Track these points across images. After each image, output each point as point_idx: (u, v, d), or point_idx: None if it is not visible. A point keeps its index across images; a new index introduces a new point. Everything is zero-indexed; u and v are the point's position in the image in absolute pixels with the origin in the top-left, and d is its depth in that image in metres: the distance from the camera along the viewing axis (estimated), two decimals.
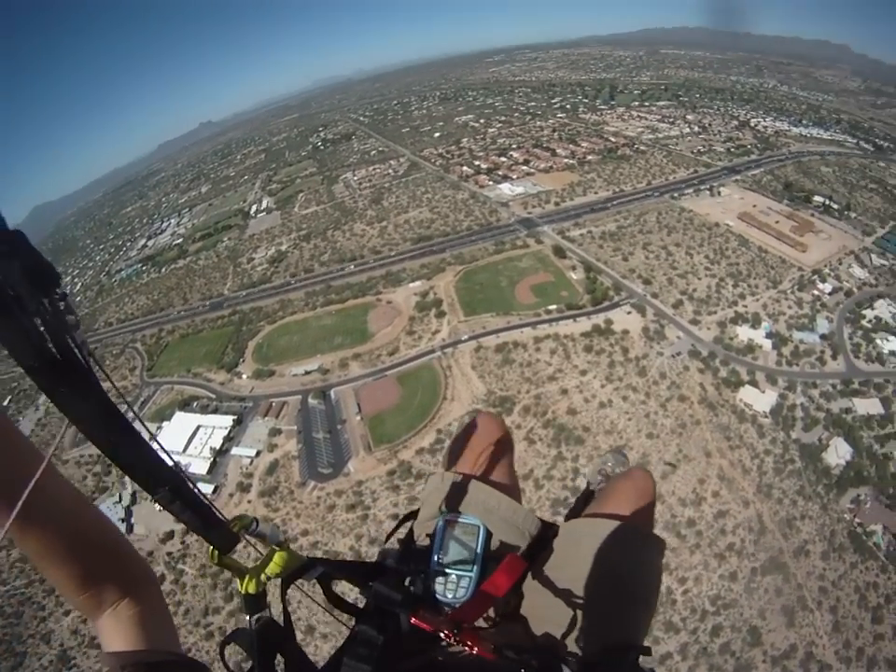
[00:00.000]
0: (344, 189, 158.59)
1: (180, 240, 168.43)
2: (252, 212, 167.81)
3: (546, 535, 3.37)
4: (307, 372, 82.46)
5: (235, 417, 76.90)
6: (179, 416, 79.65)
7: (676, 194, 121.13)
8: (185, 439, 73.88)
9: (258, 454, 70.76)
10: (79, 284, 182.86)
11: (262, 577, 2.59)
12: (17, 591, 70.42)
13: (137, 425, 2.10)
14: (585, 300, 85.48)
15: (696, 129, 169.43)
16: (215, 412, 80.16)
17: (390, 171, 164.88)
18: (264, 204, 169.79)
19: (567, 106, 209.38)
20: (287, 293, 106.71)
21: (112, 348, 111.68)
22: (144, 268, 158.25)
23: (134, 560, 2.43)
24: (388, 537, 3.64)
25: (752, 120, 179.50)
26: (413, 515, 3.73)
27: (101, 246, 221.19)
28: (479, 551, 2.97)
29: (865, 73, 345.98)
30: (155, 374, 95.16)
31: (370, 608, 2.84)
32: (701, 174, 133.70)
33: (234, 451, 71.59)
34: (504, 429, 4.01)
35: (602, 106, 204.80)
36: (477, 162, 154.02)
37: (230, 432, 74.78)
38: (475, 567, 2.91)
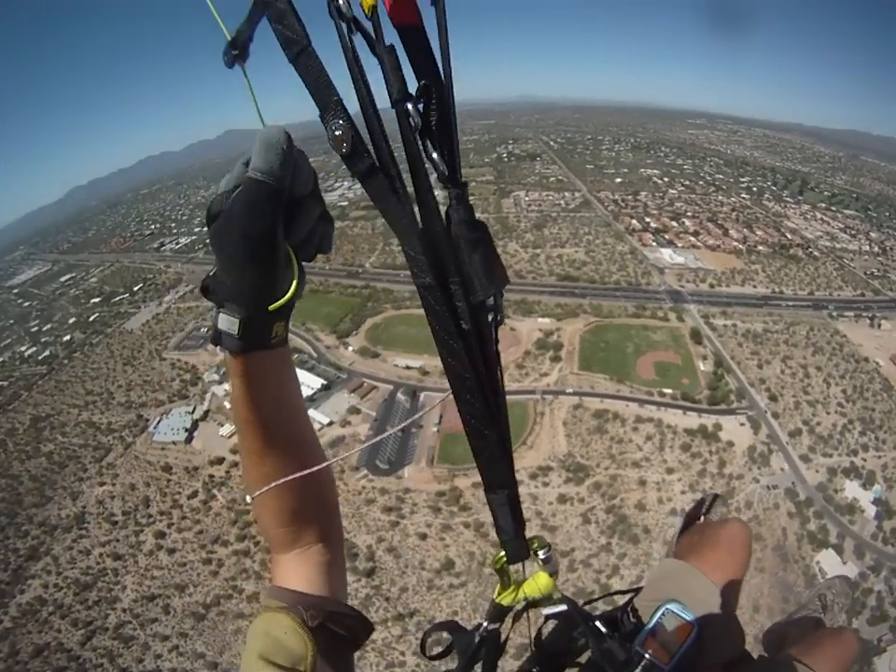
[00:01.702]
0: (513, 206, 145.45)
1: (346, 203, 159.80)
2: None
3: (740, 661, 2.98)
4: (408, 367, 75.78)
5: (325, 383, 71.81)
6: None
7: (834, 313, 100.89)
8: None
9: (329, 423, 65.18)
10: None
11: (521, 594, 2.30)
12: (71, 446, 71.43)
13: None
14: (704, 395, 72.57)
15: (877, 249, 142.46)
16: (311, 370, 74.89)
17: (562, 201, 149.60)
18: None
19: (754, 189, 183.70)
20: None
21: None
22: None
23: (336, 512, 2.24)
24: (592, 600, 3.27)
25: None
26: (636, 591, 3.20)
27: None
28: (682, 650, 2.34)
29: None
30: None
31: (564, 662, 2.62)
32: (867, 298, 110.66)
33: (310, 413, 66.96)
34: (750, 543, 3.49)
35: (788, 199, 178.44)
36: (648, 219, 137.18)
37: (314, 394, 69.12)
38: (672, 664, 2.31)
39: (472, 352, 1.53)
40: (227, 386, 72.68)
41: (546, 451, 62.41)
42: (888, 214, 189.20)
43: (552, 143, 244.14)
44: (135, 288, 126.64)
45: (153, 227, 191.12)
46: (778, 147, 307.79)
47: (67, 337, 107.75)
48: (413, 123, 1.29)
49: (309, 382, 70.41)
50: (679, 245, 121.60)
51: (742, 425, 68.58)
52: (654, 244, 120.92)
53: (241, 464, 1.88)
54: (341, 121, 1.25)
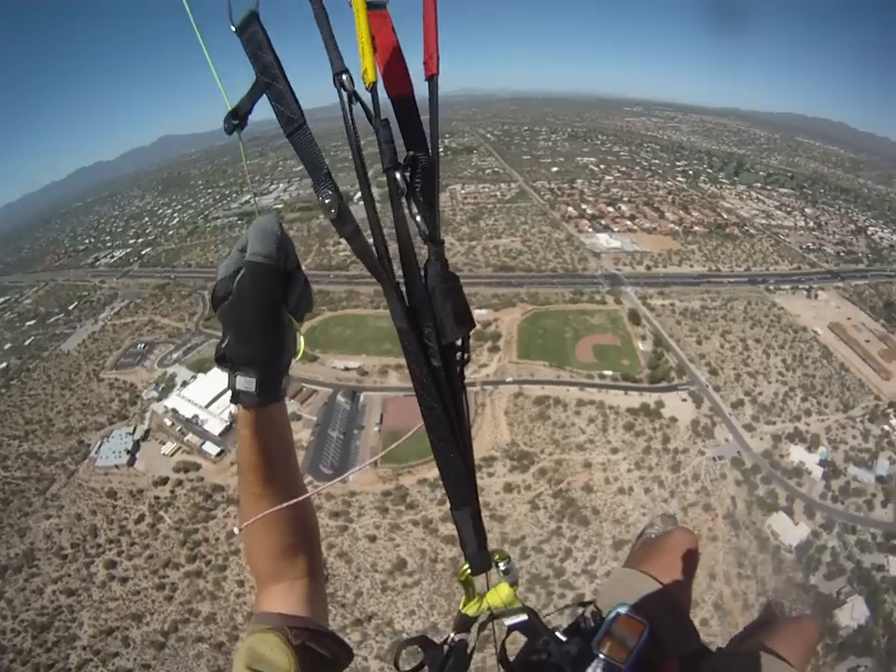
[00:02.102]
0: (449, 200, 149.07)
1: (281, 206, 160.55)
2: (355, 198, 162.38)
3: (699, 656, 3.32)
4: (347, 369, 76.99)
5: None
6: (215, 372, 74.22)
7: (772, 287, 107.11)
8: (211, 396, 71.00)
9: None
10: (177, 219, 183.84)
11: (485, 604, 2.68)
12: (14, 480, 70.10)
13: None
14: (644, 374, 75.21)
15: (811, 224, 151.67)
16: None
17: (498, 193, 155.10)
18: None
19: (690, 172, 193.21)
20: (357, 285, 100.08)
21: (182, 288, 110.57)
22: (239, 222, 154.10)
23: (319, 549, 2.61)
24: (560, 609, 4.03)
25: (870, 229, 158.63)
26: (589, 603, 3.52)
27: (209, 190, 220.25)
28: (637, 648, 2.73)
29: None
30: (210, 325, 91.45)
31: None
32: (803, 272, 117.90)
33: None
34: (696, 548, 3.89)
35: (724, 180, 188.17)
36: (584, 206, 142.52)
37: None
38: (628, 662, 2.67)
39: (441, 386, 1.86)
40: (166, 403, 73.88)
41: (489, 441, 63.77)
42: (822, 190, 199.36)
43: (488, 135, 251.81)
44: (70, 307, 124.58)
45: (87, 241, 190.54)
46: (714, 131, 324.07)
47: (3, 364, 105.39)
48: (399, 188, 1.56)
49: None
50: (616, 229, 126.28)
51: (684, 400, 71.66)
52: (590, 229, 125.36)
53: (239, 504, 2.23)
54: (330, 191, 1.55)
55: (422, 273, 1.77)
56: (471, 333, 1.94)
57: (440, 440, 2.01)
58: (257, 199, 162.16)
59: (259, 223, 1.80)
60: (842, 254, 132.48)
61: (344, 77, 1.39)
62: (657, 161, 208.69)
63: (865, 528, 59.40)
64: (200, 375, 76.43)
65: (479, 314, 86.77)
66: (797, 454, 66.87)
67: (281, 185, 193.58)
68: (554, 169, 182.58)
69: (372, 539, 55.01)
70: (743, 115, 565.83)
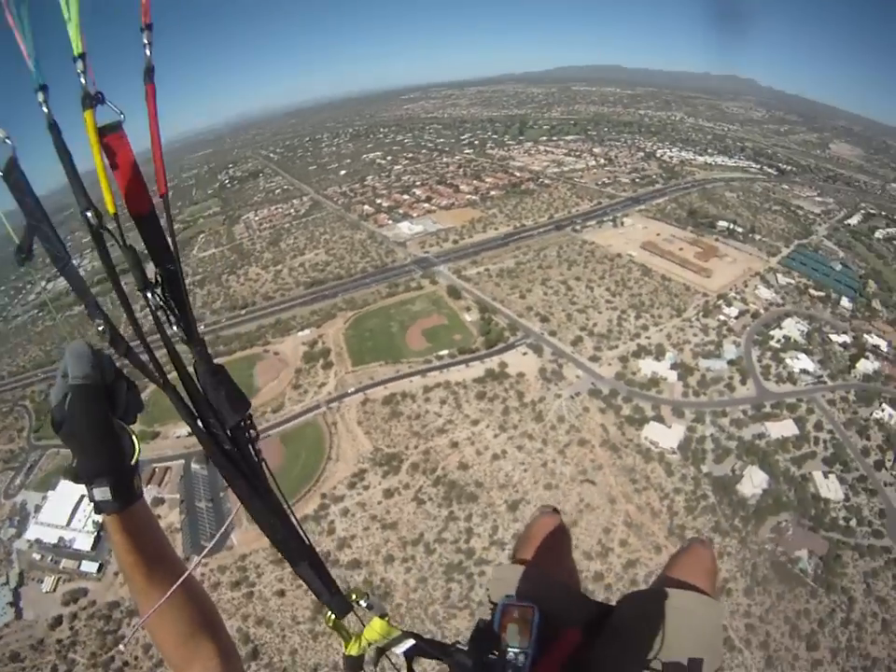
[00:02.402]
0: (245, 231, 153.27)
1: (84, 274, 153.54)
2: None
3: (602, 614, 3.72)
4: (190, 434, 75.39)
5: None
6: (63, 486, 72.41)
7: (578, 227, 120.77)
8: (68, 511, 68.66)
9: None
10: None
11: (363, 642, 3.01)
12: None
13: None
14: (479, 342, 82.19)
15: (602, 161, 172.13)
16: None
17: (292, 210, 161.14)
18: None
19: (476, 142, 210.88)
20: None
21: (1, 405, 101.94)
22: (40, 314, 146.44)
23: (225, 634, 2.83)
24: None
25: (658, 151, 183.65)
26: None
27: (1, 287, 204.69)
28: (533, 630, 3.16)
29: (770, 104, 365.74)
30: (42, 436, 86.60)
31: None
32: (605, 205, 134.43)
33: None
34: (560, 523, 4.53)
35: (510, 142, 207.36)
36: (379, 201, 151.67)
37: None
38: (531, 646, 3.11)
39: (239, 464, 2.50)
40: (27, 536, 68.96)
41: (353, 456, 67.12)
42: (606, 129, 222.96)
43: (272, 155, 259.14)
44: None
45: None
46: (493, 98, 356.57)
47: None
48: (153, 305, 2.14)
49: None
50: (415, 214, 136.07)
51: (525, 354, 79.64)
52: (390, 221, 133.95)
53: (134, 602, 2.68)
54: (99, 320, 2.08)
55: (193, 373, 2.41)
56: (250, 412, 2.51)
57: (255, 510, 2.61)
58: (51, 284, 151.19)
59: (72, 349, 2.25)
60: (637, 180, 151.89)
61: (89, 213, 1.83)
62: (442, 140, 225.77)
63: (735, 408, 70.64)
64: (50, 493, 73.08)
65: (303, 335, 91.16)
66: (647, 366, 77.05)
67: (74, 261, 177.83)
68: (343, 172, 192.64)
69: (281, 593, 55.97)
70: (518, 78, 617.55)
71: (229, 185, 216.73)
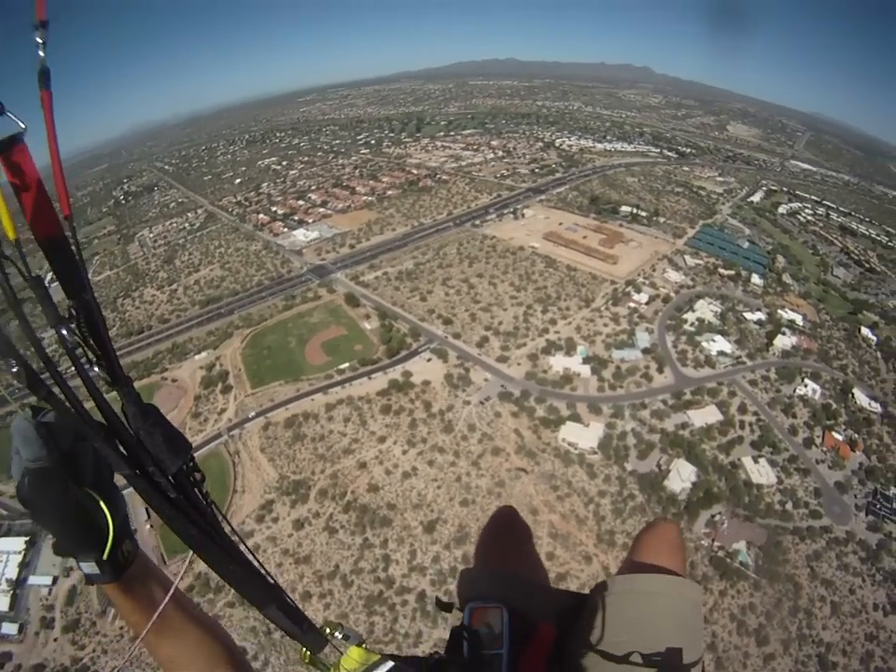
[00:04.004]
0: (139, 249, 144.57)
1: None
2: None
3: (576, 605, 3.53)
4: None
5: (28, 538, 66.85)
6: None
7: (478, 221, 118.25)
8: None
9: (55, 580, 62.05)
10: None
11: (342, 671, 2.84)
12: None
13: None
14: (381, 352, 77.59)
15: (501, 154, 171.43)
16: (8, 532, 68.95)
17: (186, 224, 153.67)
18: (51, 274, 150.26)
19: (372, 142, 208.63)
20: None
21: None
22: None
23: (244, 662, 2.88)
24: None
25: (557, 141, 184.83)
26: (447, 607, 3.86)
27: None
28: (505, 630, 3.11)
29: (666, 90, 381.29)
30: None
31: None
32: (504, 197, 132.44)
33: (31, 580, 62.46)
34: (516, 518, 4.49)
35: (407, 139, 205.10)
36: (274, 208, 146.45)
37: (24, 557, 64.90)
38: (504, 646, 3.06)
39: (188, 512, 2.18)
40: None
41: (258, 487, 62.30)
42: (504, 121, 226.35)
43: (166, 167, 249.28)
44: None
45: None
46: (390, 97, 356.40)
47: None
48: (69, 343, 1.75)
49: (11, 547, 65.64)
50: (311, 220, 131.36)
51: (429, 360, 75.63)
52: (285, 229, 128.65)
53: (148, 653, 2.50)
54: (12, 360, 1.69)
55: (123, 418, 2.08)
56: (191, 454, 2.25)
57: (213, 561, 2.38)
58: None
59: (17, 430, 1.92)
60: (536, 170, 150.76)
61: None
62: (338, 141, 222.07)
63: (654, 399, 68.36)
64: None
65: (199, 358, 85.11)
66: (558, 362, 73.86)
67: None
68: (238, 181, 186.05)
69: (231, 605, 52.89)
70: (415, 75, 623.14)
71: (123, 201, 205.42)
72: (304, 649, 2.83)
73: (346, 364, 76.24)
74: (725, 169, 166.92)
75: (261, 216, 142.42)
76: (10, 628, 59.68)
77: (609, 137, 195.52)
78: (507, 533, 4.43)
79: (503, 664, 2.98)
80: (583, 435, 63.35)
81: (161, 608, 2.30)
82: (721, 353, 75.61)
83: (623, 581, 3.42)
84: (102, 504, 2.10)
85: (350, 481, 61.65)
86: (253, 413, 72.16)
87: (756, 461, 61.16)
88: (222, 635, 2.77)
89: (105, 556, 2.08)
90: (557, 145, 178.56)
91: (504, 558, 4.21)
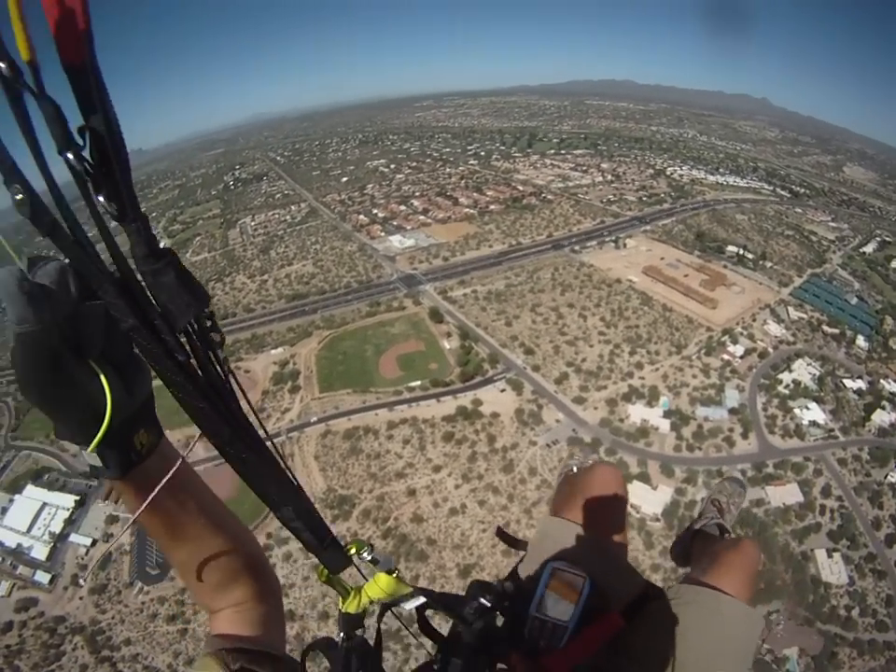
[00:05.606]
0: (239, 236, 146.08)
1: None
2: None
3: (646, 597, 3.38)
4: None
5: (78, 498, 68.97)
6: (29, 490, 71.06)
7: (577, 247, 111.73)
8: (30, 518, 67.29)
9: (93, 543, 64.00)
10: None
11: (365, 598, 2.65)
12: None
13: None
14: (455, 374, 73.49)
15: (609, 177, 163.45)
16: (62, 488, 71.64)
17: (288, 217, 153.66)
18: (161, 246, 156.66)
19: (482, 153, 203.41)
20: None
21: None
22: None
23: (266, 569, 2.49)
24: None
25: (668, 169, 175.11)
26: (515, 544, 3.85)
27: None
28: (580, 604, 2.81)
29: (783, 124, 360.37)
30: (18, 437, 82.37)
31: (457, 638, 2.76)
32: (608, 224, 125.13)
33: (73, 537, 64.37)
34: (622, 483, 3.90)
35: (517, 154, 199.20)
36: (375, 211, 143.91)
37: (72, 514, 67.38)
38: (573, 619, 2.75)
39: (198, 380, 1.73)
40: None
41: None
42: (616, 144, 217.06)
43: (278, 158, 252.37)
44: None
45: None
46: (505, 110, 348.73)
47: None
48: (78, 170, 1.40)
49: (62, 502, 68.13)
50: (409, 227, 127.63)
51: (503, 391, 70.58)
52: (383, 233, 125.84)
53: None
54: (18, 186, 1.36)
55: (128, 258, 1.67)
56: (209, 309, 1.75)
57: (224, 443, 1.87)
58: None
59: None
60: (644, 198, 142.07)
61: (2, 65, 1.24)
62: (448, 150, 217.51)
63: (732, 467, 60.66)
64: (17, 497, 71.22)
65: (275, 354, 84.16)
66: (637, 412, 67.43)
67: None
68: (344, 179, 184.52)
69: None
70: (531, 90, 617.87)
71: (232, 186, 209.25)
72: (322, 566, 2.42)
73: (418, 382, 72.85)
74: (839, 214, 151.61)
75: (361, 216, 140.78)
76: (43, 577, 62.32)
77: (721, 170, 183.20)
78: (603, 492, 3.68)
79: (563, 638, 2.68)
80: (649, 498, 57.29)
81: (154, 492, 1.76)
82: (814, 423, 66.95)
83: (701, 596, 3.29)
84: (103, 379, 1.60)
85: (396, 507, 58.94)
86: (315, 419, 70.47)
87: (830, 555, 53.30)
88: (247, 542, 2.28)
89: (95, 444, 1.61)
90: (668, 173, 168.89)
91: (594, 521, 3.57)
